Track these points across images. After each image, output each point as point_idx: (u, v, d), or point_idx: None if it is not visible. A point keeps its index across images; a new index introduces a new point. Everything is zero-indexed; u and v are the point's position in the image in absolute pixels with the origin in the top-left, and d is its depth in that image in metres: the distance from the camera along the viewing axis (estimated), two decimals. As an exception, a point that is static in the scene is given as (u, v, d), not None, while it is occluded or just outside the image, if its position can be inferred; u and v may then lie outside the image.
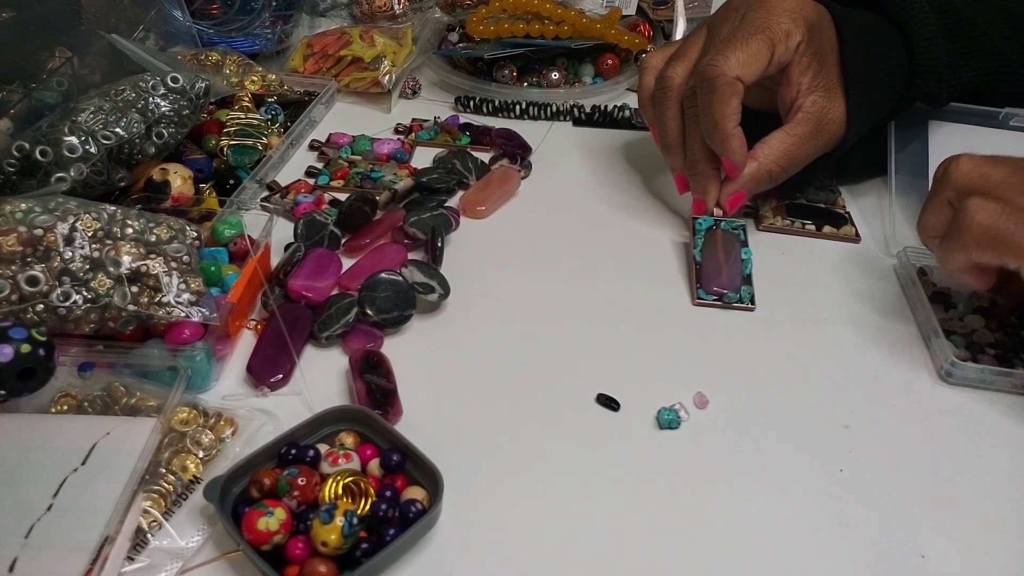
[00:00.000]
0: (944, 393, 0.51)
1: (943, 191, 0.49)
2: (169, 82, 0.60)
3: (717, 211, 0.60)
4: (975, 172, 0.48)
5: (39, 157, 0.54)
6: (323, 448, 0.42)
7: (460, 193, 0.68)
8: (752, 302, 0.56)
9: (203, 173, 0.64)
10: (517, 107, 0.79)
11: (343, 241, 0.61)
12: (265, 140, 0.69)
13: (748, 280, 0.57)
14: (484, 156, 0.72)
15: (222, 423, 0.44)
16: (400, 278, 0.54)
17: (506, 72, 0.82)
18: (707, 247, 0.59)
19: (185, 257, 0.48)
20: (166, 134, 0.60)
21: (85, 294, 0.45)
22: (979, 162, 0.48)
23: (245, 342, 0.52)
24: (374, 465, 0.42)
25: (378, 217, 0.63)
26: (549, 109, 0.80)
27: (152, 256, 0.47)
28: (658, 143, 0.63)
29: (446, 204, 0.65)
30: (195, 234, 0.51)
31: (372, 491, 0.40)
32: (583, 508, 0.42)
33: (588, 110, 0.80)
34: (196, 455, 0.42)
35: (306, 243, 0.58)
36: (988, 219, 0.46)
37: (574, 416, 0.48)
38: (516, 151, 0.72)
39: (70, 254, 0.45)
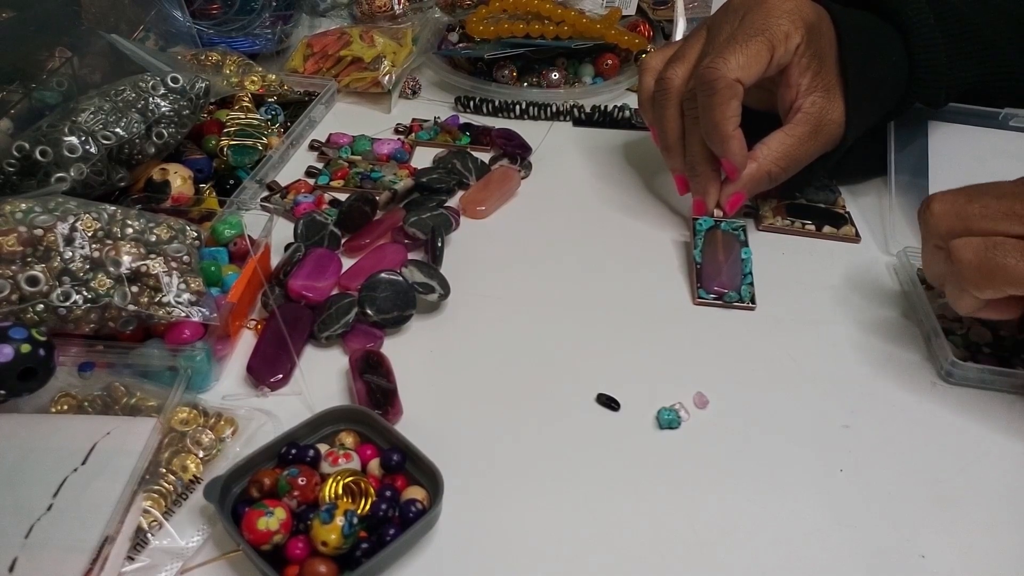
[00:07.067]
0: (944, 393, 0.51)
1: (929, 239, 0.48)
2: (169, 82, 0.60)
3: (717, 212, 0.60)
4: (951, 212, 0.46)
5: (39, 157, 0.54)
6: (323, 448, 0.42)
7: (460, 193, 0.68)
8: (752, 301, 0.56)
9: (203, 173, 0.64)
10: (517, 107, 0.79)
11: (343, 241, 0.61)
12: (265, 140, 0.69)
13: (748, 280, 0.57)
14: (484, 156, 0.72)
15: (222, 423, 0.44)
16: (400, 278, 0.54)
17: (506, 72, 0.82)
18: (707, 247, 0.59)
19: (185, 257, 0.48)
20: (166, 134, 0.60)
21: (85, 294, 0.45)
22: (952, 200, 0.46)
23: (245, 342, 0.52)
24: (374, 465, 0.42)
25: (378, 217, 0.63)
26: (549, 109, 0.80)
27: (152, 256, 0.47)
28: (658, 144, 0.63)
29: (446, 204, 0.65)
30: (195, 234, 0.51)
31: (372, 491, 0.40)
32: (583, 508, 0.42)
33: (588, 110, 0.80)
34: (196, 455, 0.42)
35: (306, 243, 0.58)
36: (975, 256, 0.44)
37: (574, 416, 0.48)
38: (516, 151, 0.72)
39: (70, 254, 0.45)
